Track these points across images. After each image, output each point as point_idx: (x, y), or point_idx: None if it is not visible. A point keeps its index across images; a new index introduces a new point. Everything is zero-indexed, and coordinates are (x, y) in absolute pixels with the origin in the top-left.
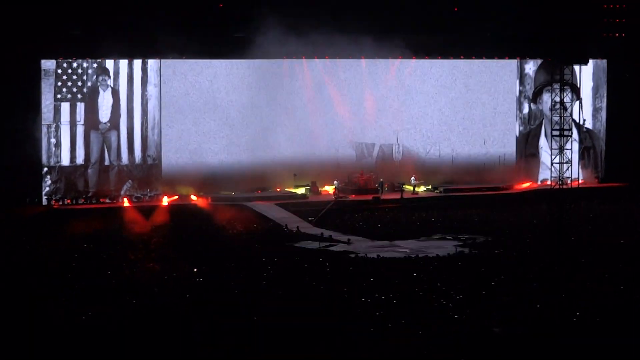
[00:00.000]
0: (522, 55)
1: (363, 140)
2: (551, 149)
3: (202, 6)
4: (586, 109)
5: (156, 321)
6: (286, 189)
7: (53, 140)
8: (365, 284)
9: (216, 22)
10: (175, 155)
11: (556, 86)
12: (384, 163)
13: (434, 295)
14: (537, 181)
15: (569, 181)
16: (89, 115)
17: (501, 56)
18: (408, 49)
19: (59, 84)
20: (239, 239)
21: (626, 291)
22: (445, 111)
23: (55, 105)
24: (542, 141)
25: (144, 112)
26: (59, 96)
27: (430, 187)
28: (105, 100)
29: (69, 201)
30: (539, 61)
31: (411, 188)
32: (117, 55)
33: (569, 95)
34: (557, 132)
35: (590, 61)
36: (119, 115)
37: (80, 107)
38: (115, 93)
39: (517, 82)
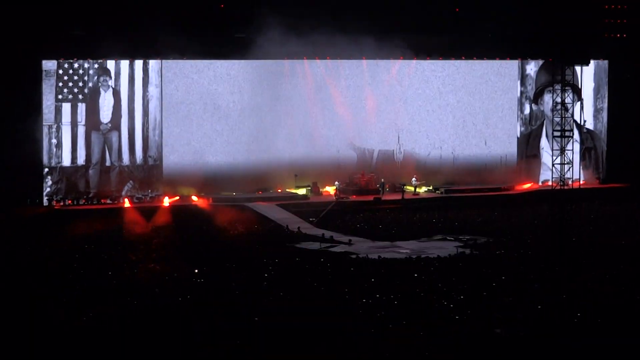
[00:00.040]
0: (524, 56)
1: (364, 143)
2: (552, 149)
3: (203, 7)
4: (587, 110)
5: (157, 322)
6: (287, 190)
7: (54, 141)
8: (366, 285)
9: (217, 23)
10: (176, 156)
11: (557, 87)
12: (385, 164)
13: (435, 296)
14: (538, 182)
15: (570, 182)
16: (90, 115)
17: (502, 57)
18: (409, 50)
19: (60, 84)
20: (239, 240)
21: (627, 292)
22: (446, 111)
23: (56, 106)
24: (543, 142)
25: (145, 113)
26: (60, 97)
27: (431, 187)
28: (106, 101)
29: (70, 202)
30: (540, 62)
31: (412, 189)
32: (118, 55)
33: (570, 96)
34: (558, 133)
35: (592, 62)
36: (120, 116)
37: (82, 107)
38: (116, 94)
39: (519, 82)
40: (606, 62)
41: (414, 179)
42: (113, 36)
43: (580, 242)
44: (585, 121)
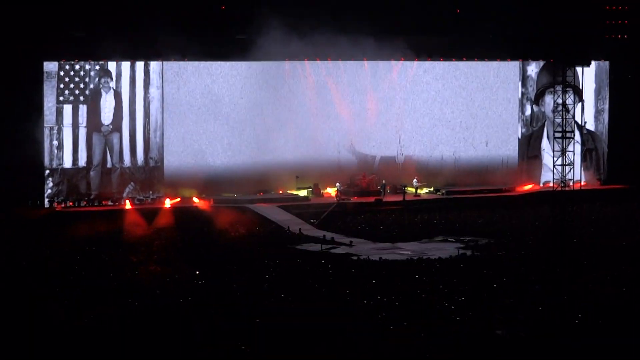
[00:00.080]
0: (525, 57)
1: (364, 144)
2: (553, 150)
3: (204, 8)
4: (588, 111)
5: (158, 323)
6: (288, 191)
7: (55, 143)
8: (367, 286)
9: (218, 24)
10: (178, 157)
11: (558, 88)
12: (385, 165)
13: (436, 297)
14: (539, 183)
15: (571, 183)
16: (91, 117)
17: (503, 58)
18: (410, 51)
19: (62, 86)
20: (241, 241)
21: (628, 293)
22: (447, 113)
23: (57, 108)
24: (545, 143)
25: (146, 114)
26: (61, 98)
27: (432, 189)
28: (107, 103)
29: (71, 203)
30: (541, 63)
31: (413, 190)
32: (119, 57)
33: (571, 97)
34: (559, 134)
35: (593, 63)
36: (121, 118)
37: (83, 109)
38: (117, 95)
39: (520, 83)
40: (607, 63)
41: (415, 180)
42: (114, 38)
43: (581, 243)
44: (585, 122)
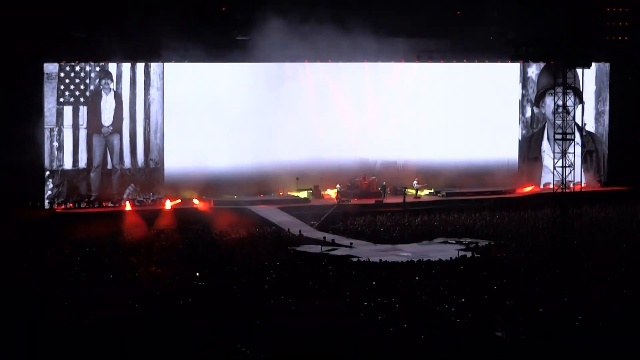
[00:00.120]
0: (525, 58)
1: (365, 148)
2: (554, 152)
3: (205, 10)
4: (589, 113)
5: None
6: (289, 193)
7: (55, 144)
8: (367, 288)
9: (219, 26)
10: (178, 159)
11: (559, 89)
12: (386, 167)
13: (436, 298)
14: (539, 185)
15: (571, 185)
16: (92, 118)
17: (504, 59)
18: (411, 52)
19: (62, 87)
20: (241, 243)
21: (629, 295)
22: (447, 114)
23: (57, 109)
24: (545, 145)
25: (146, 116)
26: (61, 100)
27: (432, 190)
28: (107, 104)
29: (71, 205)
30: (542, 65)
31: (414, 192)
32: (119, 58)
33: (572, 98)
34: (559, 136)
35: (593, 64)
36: (122, 119)
37: (83, 110)
38: (117, 96)
39: (520, 85)
40: (607, 64)
41: (415, 182)
42: (114, 39)
43: (581, 245)
44: (585, 124)
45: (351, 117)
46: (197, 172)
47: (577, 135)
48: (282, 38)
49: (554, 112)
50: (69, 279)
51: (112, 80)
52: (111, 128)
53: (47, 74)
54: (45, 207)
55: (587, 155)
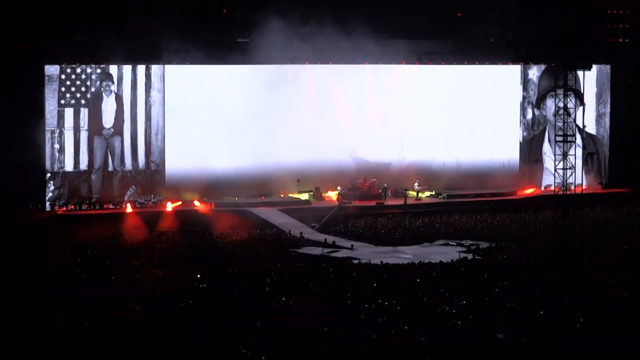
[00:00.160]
0: (526, 60)
1: (365, 150)
2: (555, 154)
3: (206, 11)
4: (589, 115)
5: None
6: (289, 195)
7: (57, 146)
8: (368, 290)
9: (220, 28)
10: (179, 161)
11: (560, 92)
12: (387, 169)
13: (437, 301)
14: (540, 187)
15: (572, 187)
16: (93, 120)
17: (504, 61)
18: (411, 55)
19: (63, 89)
20: (242, 245)
21: (630, 297)
22: (448, 116)
23: (59, 111)
24: (546, 147)
25: (147, 118)
26: (62, 102)
27: (433, 192)
28: (108, 106)
29: (72, 207)
30: (543, 67)
31: (415, 194)
32: (120, 60)
33: (573, 100)
34: (560, 138)
35: (594, 66)
36: (123, 121)
37: (84, 112)
38: (118, 98)
39: (521, 87)
40: (608, 66)
41: (416, 184)
42: (115, 41)
43: (582, 247)
44: (585, 126)
45: (352, 119)
46: (198, 174)
47: (578, 137)
48: (282, 40)
49: (555, 114)
50: (69, 281)
51: (113, 82)
52: (112, 130)
53: (48, 75)
54: (47, 209)
55: (588, 158)
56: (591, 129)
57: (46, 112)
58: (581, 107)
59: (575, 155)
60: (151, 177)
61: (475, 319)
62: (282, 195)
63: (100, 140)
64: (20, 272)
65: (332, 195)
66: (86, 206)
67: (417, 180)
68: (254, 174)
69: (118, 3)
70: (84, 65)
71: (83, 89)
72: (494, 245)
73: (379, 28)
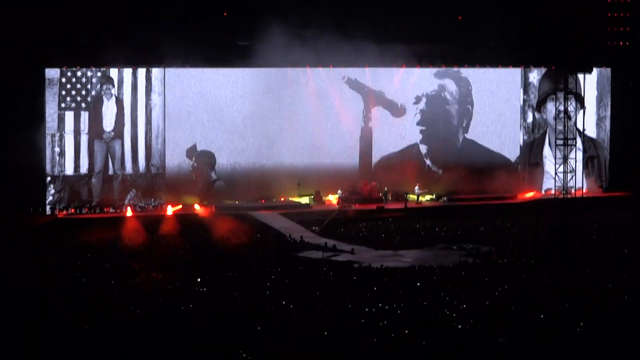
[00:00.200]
0: (526, 63)
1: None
2: (555, 158)
3: (206, 15)
4: (590, 118)
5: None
6: (290, 198)
7: (57, 150)
8: (369, 294)
9: (220, 31)
10: (179, 164)
11: (560, 95)
12: (387, 172)
13: (437, 304)
14: (541, 190)
15: (573, 190)
16: (93, 124)
17: (505, 65)
18: (412, 58)
19: (63, 92)
20: (242, 249)
21: (630, 300)
22: (448, 119)
23: (59, 114)
24: (546, 150)
25: (148, 121)
26: (63, 105)
27: (434, 196)
28: (109, 109)
29: (72, 210)
30: (543, 70)
31: (415, 197)
32: (121, 63)
33: (573, 104)
34: (561, 141)
35: (594, 69)
36: (123, 124)
37: (84, 116)
38: (119, 102)
39: (521, 90)
40: (609, 69)
41: (417, 187)
42: (116, 44)
43: (582, 251)
44: (585, 129)
45: (352, 122)
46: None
47: (579, 140)
48: (283, 43)
49: (556, 118)
50: (70, 284)
51: (113, 86)
52: (112, 133)
53: (48, 79)
54: (47, 213)
55: (589, 161)
56: (592, 132)
57: (47, 115)
58: (582, 111)
59: (575, 158)
60: (151, 180)
61: (476, 323)
62: (282, 199)
63: (101, 143)
64: (21, 275)
65: (333, 198)
66: (86, 210)
67: (418, 184)
68: (254, 178)
69: (119, 6)
70: (84, 69)
71: (83, 92)
72: (494, 249)
73: (379, 31)
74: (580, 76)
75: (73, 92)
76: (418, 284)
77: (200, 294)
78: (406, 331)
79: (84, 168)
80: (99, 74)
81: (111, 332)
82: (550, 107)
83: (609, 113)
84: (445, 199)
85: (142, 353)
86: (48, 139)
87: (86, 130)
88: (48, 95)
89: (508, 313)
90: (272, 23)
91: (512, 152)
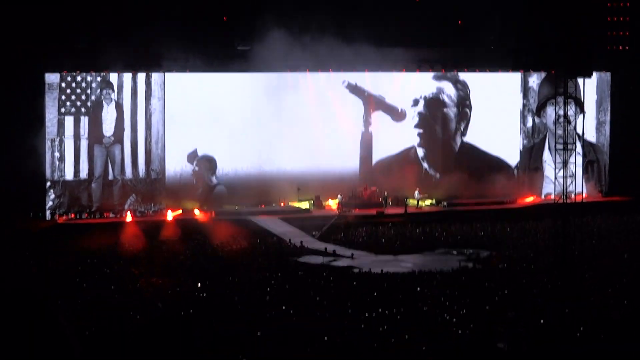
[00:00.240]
0: (526, 68)
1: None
2: (555, 162)
3: (206, 19)
4: (590, 123)
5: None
6: (290, 204)
7: (57, 154)
8: (368, 299)
9: (220, 36)
10: (179, 169)
11: (560, 99)
12: (387, 176)
13: (437, 310)
14: (541, 195)
15: (572, 195)
16: (93, 129)
17: (505, 69)
18: (412, 62)
19: (63, 97)
20: (242, 254)
21: (630, 305)
22: (448, 123)
23: (59, 119)
24: (546, 155)
25: (147, 126)
26: (62, 110)
27: (434, 201)
28: (109, 114)
29: (72, 215)
30: (543, 74)
31: (415, 202)
32: (121, 68)
33: (573, 108)
34: (561, 146)
35: (594, 74)
36: (123, 129)
37: (84, 120)
38: (119, 107)
39: (521, 95)
40: (609, 74)
41: (416, 192)
42: (116, 49)
43: (582, 256)
44: (584, 134)
45: (352, 127)
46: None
47: (579, 145)
48: (283, 48)
49: (555, 122)
50: (69, 289)
51: (113, 91)
52: (112, 138)
53: (48, 84)
54: (47, 218)
55: (588, 166)
56: (591, 136)
57: (46, 120)
58: (581, 115)
59: (575, 163)
60: (151, 185)
61: (476, 328)
62: (282, 204)
63: (101, 148)
64: (21, 280)
65: (333, 203)
66: (86, 215)
67: (418, 189)
68: (254, 183)
69: (118, 11)
70: (84, 73)
71: (83, 97)
72: (494, 254)
73: (379, 36)
74: (580, 81)
75: (73, 97)
76: (418, 289)
77: (200, 299)
78: (406, 336)
79: (83, 173)
80: (98, 78)
81: (111, 337)
82: (550, 111)
83: (608, 117)
84: (445, 203)
85: (143, 358)
86: (48, 143)
87: (86, 135)
88: (48, 100)
89: (508, 318)
90: (272, 27)
91: (511, 156)
